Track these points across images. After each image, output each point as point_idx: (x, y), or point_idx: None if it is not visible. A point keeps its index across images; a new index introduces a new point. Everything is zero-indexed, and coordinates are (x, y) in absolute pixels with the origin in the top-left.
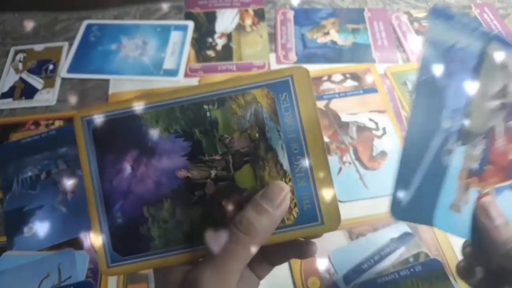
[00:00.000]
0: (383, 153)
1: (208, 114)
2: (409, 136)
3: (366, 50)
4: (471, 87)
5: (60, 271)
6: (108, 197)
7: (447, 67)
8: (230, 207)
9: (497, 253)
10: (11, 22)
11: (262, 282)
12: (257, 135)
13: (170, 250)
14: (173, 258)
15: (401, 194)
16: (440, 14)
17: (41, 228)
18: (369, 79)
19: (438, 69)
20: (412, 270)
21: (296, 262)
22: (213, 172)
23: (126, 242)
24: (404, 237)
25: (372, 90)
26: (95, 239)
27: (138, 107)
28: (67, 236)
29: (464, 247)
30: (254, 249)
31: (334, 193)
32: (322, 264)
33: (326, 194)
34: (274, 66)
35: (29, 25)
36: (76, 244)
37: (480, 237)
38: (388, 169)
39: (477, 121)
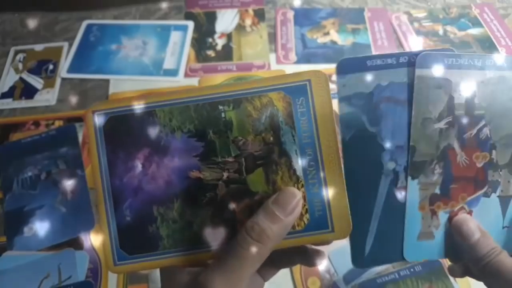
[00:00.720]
0: None
1: (223, 115)
2: (352, 190)
3: (366, 50)
4: (408, 120)
5: (60, 271)
6: (117, 194)
7: (373, 113)
8: (241, 210)
9: (475, 269)
10: (11, 22)
11: None
12: (271, 138)
13: (178, 250)
14: (181, 259)
15: (361, 245)
16: (349, 67)
17: (41, 228)
18: None
19: (363, 120)
20: (412, 269)
21: None
22: (225, 174)
23: (134, 240)
24: None
25: None
26: (102, 236)
27: (152, 104)
28: (67, 236)
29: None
30: (265, 256)
31: (346, 202)
32: (322, 264)
33: (338, 202)
34: (274, 66)
35: (29, 25)
36: (76, 244)
37: (455, 252)
38: None
39: (425, 149)
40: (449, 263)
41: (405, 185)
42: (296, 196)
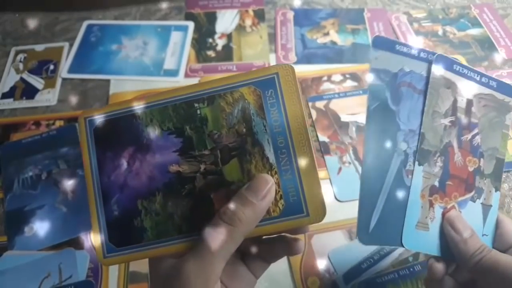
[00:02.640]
0: None
1: (198, 111)
2: (367, 162)
3: (366, 50)
4: (422, 108)
5: (61, 271)
6: (106, 191)
7: (395, 92)
8: (218, 200)
9: (466, 266)
10: (11, 23)
11: (262, 282)
12: (244, 130)
13: (162, 241)
14: (165, 249)
15: (367, 219)
16: (382, 44)
17: (41, 227)
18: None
19: (387, 96)
20: (411, 269)
21: (296, 262)
22: (202, 167)
23: (121, 233)
24: None
25: None
26: (93, 231)
27: (135, 107)
28: (67, 236)
29: (428, 259)
30: (238, 239)
31: (319, 186)
32: (321, 263)
33: (311, 186)
34: None
35: (29, 25)
36: (76, 243)
37: (449, 250)
38: None
39: (432, 140)
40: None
41: (412, 169)
42: (268, 181)
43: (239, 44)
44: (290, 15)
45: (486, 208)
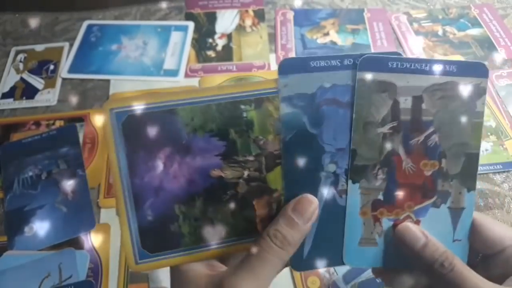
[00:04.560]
0: None
1: (244, 114)
2: (291, 191)
3: (366, 50)
4: (350, 122)
5: (61, 271)
6: (138, 194)
7: (315, 115)
8: (260, 207)
9: (431, 278)
10: (12, 23)
11: None
12: None
13: (200, 246)
14: (202, 254)
15: (299, 247)
16: (291, 67)
17: (41, 227)
18: None
19: (304, 121)
20: None
21: None
22: (246, 173)
23: (156, 239)
24: None
25: None
26: (123, 235)
27: (172, 102)
28: (67, 236)
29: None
30: (286, 260)
31: None
32: None
33: None
34: (274, 66)
35: (30, 25)
36: (76, 243)
37: (405, 263)
38: None
39: (367, 153)
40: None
41: (345, 188)
42: (312, 202)
43: (239, 44)
44: (290, 15)
45: (455, 211)
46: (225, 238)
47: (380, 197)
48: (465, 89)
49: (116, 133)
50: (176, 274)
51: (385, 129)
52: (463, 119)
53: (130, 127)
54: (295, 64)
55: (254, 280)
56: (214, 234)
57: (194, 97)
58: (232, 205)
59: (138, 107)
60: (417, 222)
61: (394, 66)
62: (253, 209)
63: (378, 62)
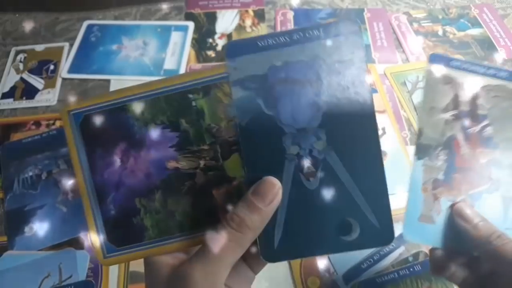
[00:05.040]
0: (382, 153)
1: (193, 103)
2: (254, 180)
3: (366, 50)
4: (309, 100)
5: (61, 271)
6: (100, 190)
7: (269, 95)
8: (220, 196)
9: (481, 252)
10: (12, 23)
11: (262, 282)
12: None
13: (164, 239)
14: (167, 247)
15: (269, 236)
16: (238, 49)
17: (41, 227)
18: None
19: (259, 103)
20: (411, 269)
21: (296, 262)
22: (202, 162)
23: (120, 233)
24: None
25: (371, 90)
26: (90, 231)
27: (123, 99)
28: (67, 236)
29: (432, 250)
30: (245, 246)
31: None
32: (321, 263)
33: None
34: None
35: (30, 25)
36: (76, 243)
37: (460, 242)
38: (388, 169)
39: (432, 134)
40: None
41: (313, 170)
42: (275, 185)
43: None
44: (290, 15)
45: (507, 200)
46: (188, 230)
47: (441, 176)
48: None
49: (75, 134)
50: (145, 266)
51: (447, 115)
52: None
53: (87, 127)
54: (242, 46)
55: (208, 266)
56: (177, 226)
57: (143, 92)
58: (191, 196)
59: (92, 107)
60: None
61: (458, 65)
62: (213, 198)
63: (445, 61)
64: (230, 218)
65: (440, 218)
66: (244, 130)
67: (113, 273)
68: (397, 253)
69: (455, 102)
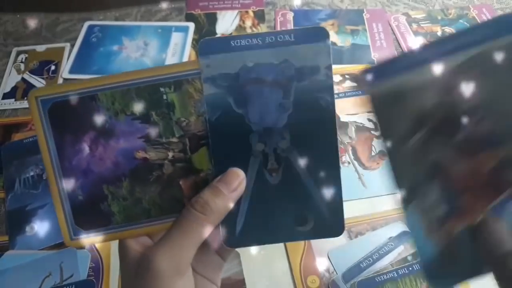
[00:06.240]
0: (382, 153)
1: (164, 97)
2: (220, 172)
3: (365, 51)
4: (276, 101)
5: (62, 270)
6: (67, 176)
7: (240, 94)
8: (187, 187)
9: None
10: (13, 23)
11: (263, 281)
12: None
13: (130, 224)
14: (133, 231)
15: (231, 224)
16: (211, 47)
17: (43, 227)
18: None
19: (229, 101)
20: (410, 268)
21: (295, 261)
22: (170, 154)
23: (88, 217)
24: (402, 236)
25: None
26: (58, 215)
27: (93, 88)
28: None
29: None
30: (208, 228)
31: None
32: (321, 262)
33: None
34: None
35: (31, 26)
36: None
37: (491, 267)
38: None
39: (410, 170)
40: None
41: (276, 167)
42: (239, 175)
43: None
44: (290, 16)
45: None
46: (154, 217)
47: (443, 211)
48: (499, 51)
49: (43, 120)
50: (119, 252)
51: (417, 137)
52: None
53: (55, 114)
54: (216, 44)
55: (172, 249)
56: (143, 213)
57: (115, 82)
58: (158, 185)
59: (62, 94)
60: (496, 221)
61: (402, 67)
62: (180, 188)
63: (376, 74)
64: (194, 201)
65: (464, 251)
66: (213, 126)
67: (114, 272)
68: (396, 252)
69: (422, 116)
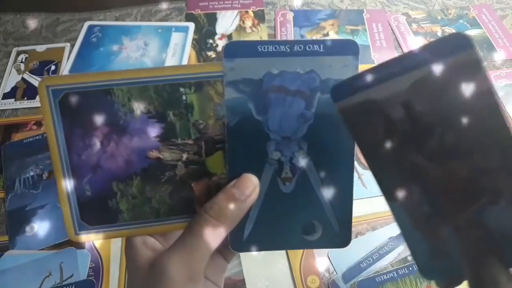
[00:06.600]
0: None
1: (184, 97)
2: (234, 176)
3: (365, 51)
4: (297, 111)
5: (62, 270)
6: (76, 170)
7: (261, 101)
8: (199, 189)
9: None
10: (13, 23)
11: (263, 281)
12: None
13: (138, 222)
14: (140, 230)
15: (239, 230)
16: (238, 50)
17: (43, 227)
18: None
19: (250, 107)
20: (410, 268)
21: (295, 261)
22: (184, 156)
23: (94, 213)
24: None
25: None
26: (62, 209)
27: (109, 81)
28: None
29: None
30: (222, 234)
31: None
32: (321, 262)
33: None
34: None
35: (31, 26)
36: (77, 243)
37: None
38: None
39: (389, 174)
40: None
41: (290, 176)
42: (254, 182)
43: None
44: (290, 16)
45: None
46: (163, 217)
47: (426, 208)
48: (448, 68)
49: (53, 111)
50: (126, 252)
51: (387, 146)
52: (469, 102)
53: (67, 105)
54: (242, 48)
55: (184, 256)
56: (152, 212)
57: (132, 78)
58: (170, 186)
59: (75, 85)
60: (479, 226)
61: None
62: (191, 190)
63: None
64: (209, 207)
65: (450, 248)
66: (232, 131)
67: (114, 272)
68: (396, 252)
69: (389, 126)
